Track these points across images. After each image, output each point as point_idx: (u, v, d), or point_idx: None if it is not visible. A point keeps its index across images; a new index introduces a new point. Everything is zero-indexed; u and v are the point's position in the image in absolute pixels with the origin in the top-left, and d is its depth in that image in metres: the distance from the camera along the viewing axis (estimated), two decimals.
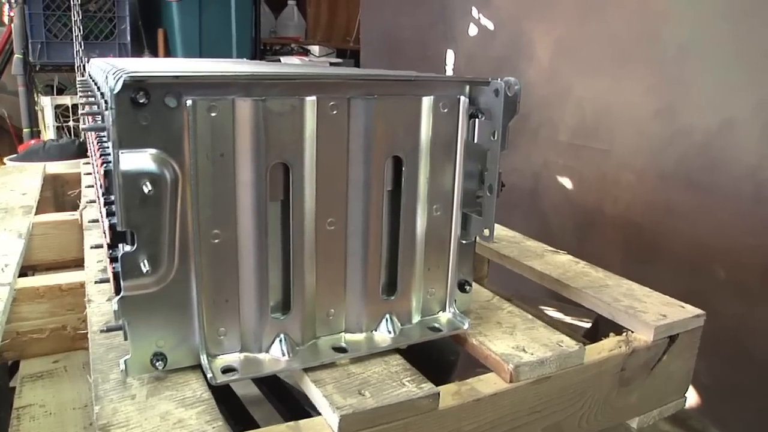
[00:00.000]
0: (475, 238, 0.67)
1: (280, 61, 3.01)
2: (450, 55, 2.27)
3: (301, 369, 0.58)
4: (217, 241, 0.54)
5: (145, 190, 0.49)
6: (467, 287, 0.69)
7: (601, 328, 1.19)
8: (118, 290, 0.54)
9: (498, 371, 0.63)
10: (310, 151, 0.56)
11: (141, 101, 0.49)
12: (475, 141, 0.64)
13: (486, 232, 0.64)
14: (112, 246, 0.54)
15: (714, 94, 1.39)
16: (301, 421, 0.54)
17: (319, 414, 0.55)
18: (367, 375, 0.58)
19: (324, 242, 0.59)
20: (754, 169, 1.31)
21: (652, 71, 1.54)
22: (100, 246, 0.80)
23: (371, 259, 0.62)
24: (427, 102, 0.61)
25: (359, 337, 0.63)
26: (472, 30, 2.15)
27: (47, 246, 1.04)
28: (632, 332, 0.73)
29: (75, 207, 1.45)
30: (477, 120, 0.63)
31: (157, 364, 0.55)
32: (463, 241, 0.66)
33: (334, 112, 0.56)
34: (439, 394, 0.57)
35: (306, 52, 3.27)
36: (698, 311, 0.76)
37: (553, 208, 1.87)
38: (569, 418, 0.67)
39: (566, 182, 1.81)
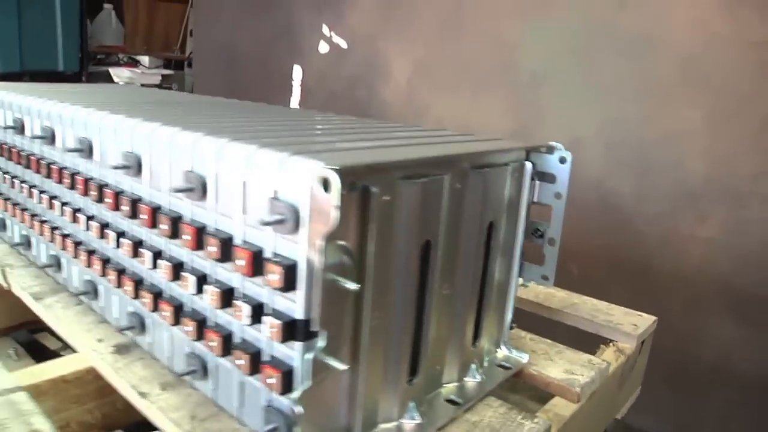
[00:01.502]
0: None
1: (108, 73, 2.66)
2: (297, 71, 2.28)
3: (437, 430, 0.62)
4: (376, 322, 0.55)
5: (350, 287, 0.48)
6: (513, 325, 0.78)
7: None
8: (285, 389, 0.51)
9: (564, 395, 0.73)
10: (443, 226, 0.60)
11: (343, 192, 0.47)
12: (535, 200, 0.73)
13: (547, 278, 0.73)
14: (284, 341, 0.51)
15: (564, 116, 1.67)
16: None
17: None
18: (487, 421, 0.64)
19: (440, 307, 0.63)
20: (598, 182, 1.61)
21: (507, 95, 1.77)
22: (130, 328, 0.70)
23: (469, 316, 0.68)
24: (510, 169, 0.68)
25: (455, 387, 0.68)
26: (323, 47, 2.19)
27: None
28: (616, 342, 0.90)
29: None
30: (537, 182, 0.72)
31: None
32: (522, 287, 0.75)
33: (458, 186, 0.61)
34: (551, 425, 0.65)
35: (135, 63, 2.94)
36: (653, 318, 0.95)
37: None
38: (602, 421, 0.81)
39: None
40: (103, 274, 0.74)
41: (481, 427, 0.63)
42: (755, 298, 1.39)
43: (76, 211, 0.77)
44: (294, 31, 2.26)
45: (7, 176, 0.96)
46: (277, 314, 0.51)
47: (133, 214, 0.65)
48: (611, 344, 0.89)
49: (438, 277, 0.61)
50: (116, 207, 0.68)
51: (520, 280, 0.76)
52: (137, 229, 0.67)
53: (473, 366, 0.70)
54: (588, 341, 0.91)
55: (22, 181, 0.91)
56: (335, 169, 0.44)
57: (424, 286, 0.60)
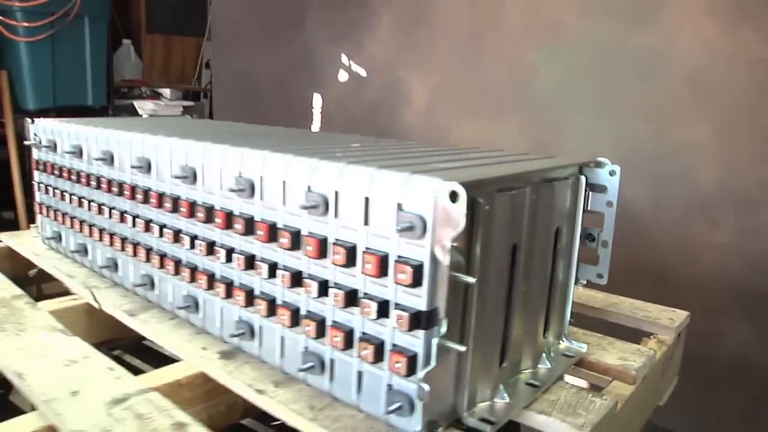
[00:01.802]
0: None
1: (133, 106, 2.76)
2: (317, 99, 2.39)
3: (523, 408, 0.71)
4: (479, 313, 0.64)
5: (469, 281, 0.58)
6: (571, 320, 0.88)
7: None
8: (410, 372, 0.61)
9: (622, 378, 0.83)
10: (525, 231, 0.70)
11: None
12: (588, 209, 0.83)
13: (601, 276, 0.83)
14: (411, 329, 0.60)
15: (579, 135, 1.78)
16: None
17: None
18: (563, 400, 0.73)
19: (521, 302, 0.73)
20: None
21: (525, 116, 1.89)
22: (239, 334, 0.79)
23: (540, 310, 0.77)
24: (570, 182, 0.78)
25: (530, 372, 0.78)
26: (342, 76, 2.30)
27: None
28: (657, 335, 0.99)
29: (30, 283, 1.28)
30: (590, 193, 0.82)
31: (437, 430, 0.63)
32: (582, 283, 0.85)
33: (534, 197, 0.71)
34: (617, 401, 0.74)
35: (158, 96, 3.05)
36: (687, 312, 1.05)
37: None
38: (649, 405, 0.90)
39: None
40: (209, 288, 0.82)
41: (560, 404, 0.72)
42: None
43: (177, 232, 0.86)
44: (313, 61, 2.38)
45: (92, 204, 1.05)
46: (402, 308, 0.60)
47: (247, 232, 0.75)
48: (652, 337, 0.98)
49: (521, 276, 0.71)
50: (227, 226, 0.77)
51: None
52: (247, 245, 0.76)
53: (543, 355, 0.80)
54: (628, 336, 1.00)
55: (111, 208, 1.00)
56: (462, 184, 0.54)
57: (511, 283, 0.70)
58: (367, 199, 0.63)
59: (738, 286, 1.56)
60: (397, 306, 0.61)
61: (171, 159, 0.87)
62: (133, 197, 0.94)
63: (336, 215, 0.66)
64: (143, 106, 2.74)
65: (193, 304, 0.87)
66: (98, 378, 0.76)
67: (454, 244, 0.59)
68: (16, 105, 2.37)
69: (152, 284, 0.95)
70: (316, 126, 2.39)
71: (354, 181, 0.64)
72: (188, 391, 0.81)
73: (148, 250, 0.93)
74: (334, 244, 0.65)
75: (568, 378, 0.88)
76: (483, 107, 1.99)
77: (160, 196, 0.88)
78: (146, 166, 0.91)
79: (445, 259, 0.56)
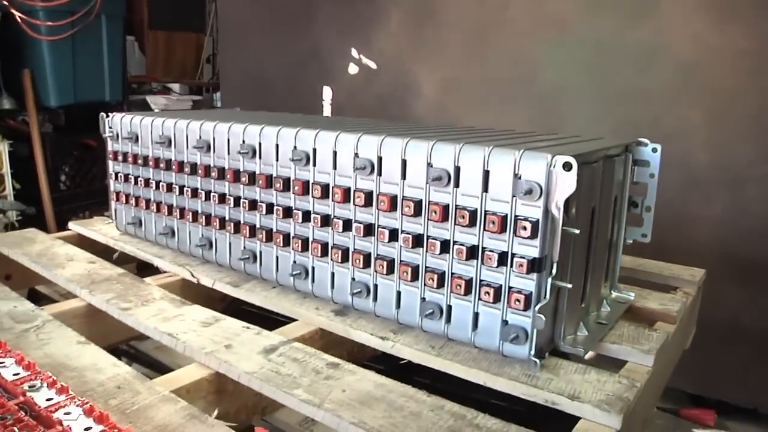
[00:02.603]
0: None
1: (146, 101, 2.83)
2: (327, 92, 2.53)
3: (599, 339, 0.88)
4: (574, 259, 0.81)
5: (575, 231, 0.74)
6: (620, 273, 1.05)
7: None
8: (526, 307, 0.76)
9: (665, 319, 1.00)
10: (598, 197, 0.86)
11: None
12: (634, 180, 1.00)
13: (645, 236, 1.01)
14: (528, 273, 0.76)
15: (582, 122, 1.97)
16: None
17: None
18: (626, 334, 0.90)
19: (593, 256, 0.89)
20: None
21: (531, 106, 2.07)
22: (358, 293, 0.93)
23: (603, 263, 0.94)
24: (621, 158, 0.95)
25: (595, 314, 0.94)
26: (352, 69, 2.44)
27: None
28: (681, 288, 1.18)
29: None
30: (635, 167, 1.00)
31: (545, 354, 0.79)
32: (629, 242, 1.02)
33: (602, 170, 0.87)
34: (669, 333, 0.92)
35: (168, 91, 3.11)
36: (703, 270, 1.24)
37: None
38: (681, 345, 1.09)
39: None
40: (322, 255, 0.96)
41: (625, 337, 0.89)
42: (758, 263, 1.70)
43: (287, 209, 1.00)
44: (322, 56, 2.50)
45: (185, 189, 1.17)
46: (520, 257, 0.76)
47: (366, 204, 0.89)
48: (678, 290, 1.17)
49: (595, 233, 0.88)
50: (344, 200, 0.91)
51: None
52: (366, 216, 0.90)
53: (604, 300, 0.97)
54: (657, 290, 1.19)
55: (208, 192, 1.13)
56: (573, 156, 0.70)
57: (590, 238, 0.86)
58: (486, 171, 0.78)
59: (729, 254, 1.77)
60: (515, 255, 0.77)
61: (278, 144, 1.00)
62: (236, 180, 1.07)
63: (457, 185, 0.81)
64: (155, 101, 2.82)
65: (303, 272, 1.01)
66: (240, 334, 0.90)
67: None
68: (38, 102, 2.43)
69: (254, 258, 1.08)
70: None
71: (473, 158, 0.79)
72: (311, 344, 0.96)
73: (252, 227, 1.07)
74: (457, 208, 0.80)
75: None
76: (491, 98, 2.16)
77: (268, 178, 1.02)
78: (251, 152, 1.04)
79: (559, 216, 0.72)
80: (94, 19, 2.34)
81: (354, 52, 2.42)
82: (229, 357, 0.83)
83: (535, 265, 0.75)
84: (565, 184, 0.71)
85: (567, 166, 0.71)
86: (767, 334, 1.72)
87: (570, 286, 0.76)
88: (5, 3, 2.18)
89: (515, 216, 0.76)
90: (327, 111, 2.52)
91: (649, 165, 0.99)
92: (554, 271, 0.75)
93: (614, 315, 0.96)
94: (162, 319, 0.96)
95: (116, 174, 1.35)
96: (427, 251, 0.84)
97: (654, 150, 0.99)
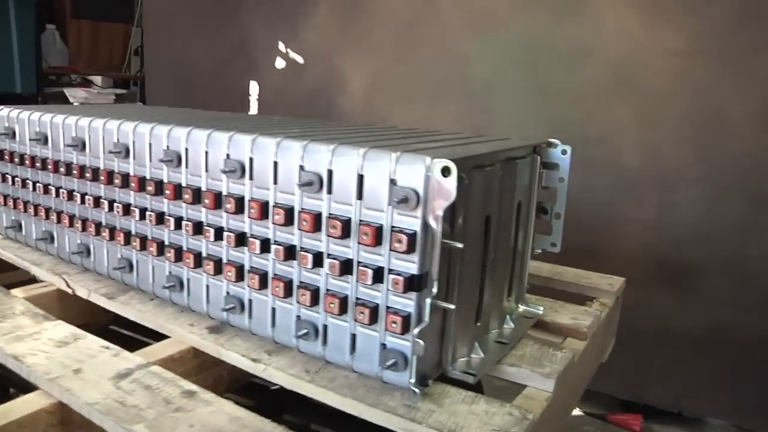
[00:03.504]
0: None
1: (64, 93, 2.63)
2: (254, 87, 2.41)
3: (495, 361, 0.80)
4: (461, 276, 0.72)
5: (458, 246, 0.66)
6: (528, 286, 0.97)
7: None
8: (404, 330, 0.68)
9: (575, 335, 0.93)
10: (495, 204, 0.78)
11: (464, 180, 0.65)
12: (543, 184, 0.93)
13: (555, 245, 0.93)
14: (405, 291, 0.67)
15: (514, 120, 1.91)
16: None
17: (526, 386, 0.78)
18: (528, 354, 0.83)
19: (491, 268, 0.81)
20: None
21: (461, 103, 1.99)
22: (230, 309, 0.83)
23: (506, 276, 0.86)
24: (527, 161, 0.88)
25: (497, 332, 0.87)
26: (279, 63, 2.33)
27: None
28: (599, 299, 1.11)
29: None
30: (545, 171, 0.92)
31: (429, 382, 0.71)
32: (537, 251, 0.95)
33: (501, 173, 0.79)
34: (575, 354, 0.85)
35: (89, 83, 2.91)
36: (623, 279, 1.18)
37: None
38: (596, 361, 1.02)
39: None
40: (196, 266, 0.86)
41: (527, 358, 0.82)
42: (687, 268, 1.67)
43: (160, 215, 0.89)
44: (249, 49, 2.38)
45: (61, 191, 1.05)
46: (396, 273, 0.67)
47: (237, 211, 0.79)
48: (595, 300, 1.10)
49: (492, 245, 0.79)
50: (216, 206, 0.81)
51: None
52: (238, 223, 0.81)
53: (507, 317, 0.89)
54: (573, 301, 1.12)
55: (84, 194, 1.01)
56: (453, 160, 0.62)
57: (486, 250, 0.78)
58: (360, 176, 0.69)
59: (659, 258, 1.73)
60: (392, 271, 0.68)
61: (151, 144, 0.89)
62: (109, 182, 0.96)
63: (330, 192, 0.71)
64: (74, 94, 2.64)
65: (178, 284, 0.90)
66: (96, 356, 0.79)
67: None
68: None
69: (131, 267, 0.97)
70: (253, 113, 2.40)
71: (347, 159, 0.69)
72: (180, 365, 0.85)
73: (127, 234, 0.95)
74: (329, 218, 0.71)
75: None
76: (420, 94, 2.08)
77: (141, 180, 0.91)
78: (124, 152, 0.93)
79: (438, 228, 0.64)
80: None
81: (281, 46, 2.31)
82: (74, 384, 0.72)
83: (413, 284, 0.67)
84: (444, 191, 0.63)
85: (446, 172, 0.62)
86: (692, 338, 1.69)
87: (453, 306, 0.68)
88: None
89: (392, 227, 0.67)
90: (254, 107, 2.40)
91: (558, 168, 0.92)
92: (435, 290, 0.66)
93: (518, 333, 0.88)
94: (13, 339, 0.84)
95: None
96: (300, 264, 0.75)
97: (563, 152, 0.92)
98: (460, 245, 0.66)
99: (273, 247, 0.77)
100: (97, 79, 2.98)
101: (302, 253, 0.74)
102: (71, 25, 2.98)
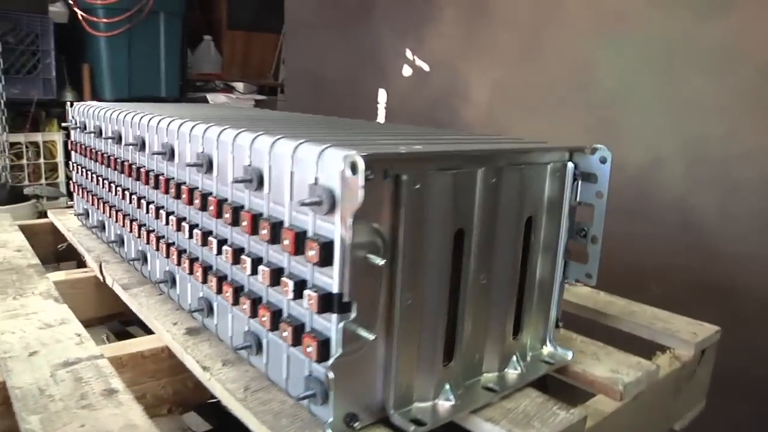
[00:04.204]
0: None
1: (206, 98, 2.92)
2: (382, 95, 2.38)
3: (469, 412, 0.64)
4: (409, 302, 0.59)
5: (377, 263, 0.53)
6: (560, 323, 0.79)
7: None
8: (322, 357, 0.57)
9: (607, 393, 0.73)
10: (477, 217, 0.63)
11: (369, 178, 0.53)
12: (577, 200, 0.74)
13: (590, 276, 0.74)
14: (321, 312, 0.56)
15: (643, 134, 1.64)
16: None
17: None
18: (522, 408, 0.66)
19: (477, 296, 0.66)
20: (680, 200, 1.56)
21: (586, 114, 1.77)
22: (198, 310, 0.79)
23: (509, 307, 0.70)
24: (549, 168, 0.71)
25: (495, 376, 0.70)
26: (406, 71, 2.28)
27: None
28: (674, 349, 0.88)
29: (61, 260, 1.36)
30: (580, 182, 0.74)
31: (355, 424, 0.58)
32: (567, 285, 0.77)
33: (493, 180, 0.64)
34: (586, 416, 0.66)
35: (230, 89, 3.20)
36: (716, 327, 0.92)
37: None
38: (653, 428, 0.80)
39: None
40: (179, 264, 0.83)
41: (515, 413, 0.65)
42: None
43: (159, 208, 0.87)
44: (379, 57, 2.37)
45: (106, 182, 1.08)
46: (316, 288, 0.56)
47: (203, 207, 0.74)
48: (668, 351, 0.87)
49: (474, 266, 0.65)
50: (190, 202, 0.77)
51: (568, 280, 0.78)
52: (207, 220, 0.75)
53: (514, 358, 0.72)
54: (648, 350, 0.90)
55: (117, 185, 1.03)
56: (363, 156, 0.50)
57: (459, 272, 0.63)
58: (291, 173, 0.59)
59: None
60: (313, 286, 0.57)
61: (153, 138, 0.88)
62: (130, 174, 0.96)
63: (270, 190, 0.63)
64: (215, 99, 2.86)
65: (171, 280, 0.88)
66: (61, 342, 0.78)
67: (375, 225, 0.54)
68: (95, 95, 2.56)
69: (145, 260, 0.97)
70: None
71: (282, 155, 0.60)
72: (153, 363, 0.82)
73: (141, 227, 0.95)
74: (261, 219, 0.62)
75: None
76: (543, 104, 1.88)
77: (147, 173, 0.90)
78: (169, 153, 0.93)
79: (347, 236, 0.52)
80: (150, 16, 2.41)
81: (408, 53, 2.25)
82: (19, 366, 0.72)
83: (329, 303, 0.55)
84: (352, 192, 0.51)
85: (353, 168, 0.50)
86: None
87: (371, 337, 0.55)
88: (70, 2, 2.31)
89: (313, 234, 0.57)
90: (381, 115, 2.38)
91: (596, 180, 0.73)
92: (353, 314, 0.54)
93: (524, 379, 0.71)
94: (9, 316, 0.86)
95: (74, 164, 1.31)
96: (242, 269, 0.67)
97: (602, 160, 0.73)
98: (379, 261, 0.53)
99: (224, 247, 0.70)
100: (239, 86, 3.19)
101: (243, 257, 0.66)
102: (226, 36, 3.24)
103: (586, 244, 0.75)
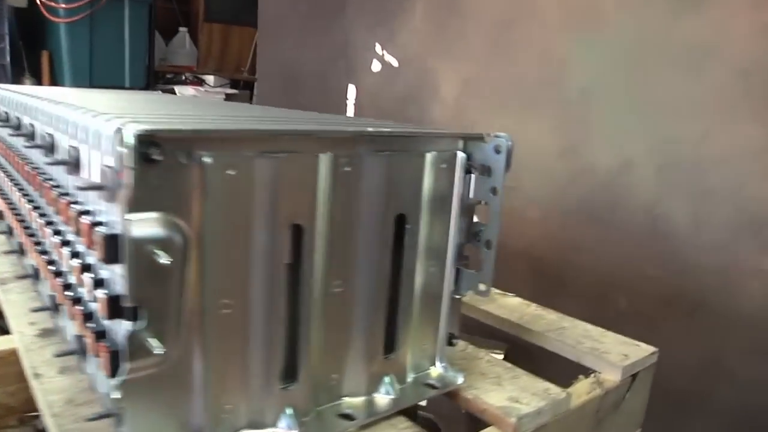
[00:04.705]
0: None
1: (173, 90, 2.84)
2: (351, 90, 2.29)
3: None
4: (226, 311, 0.50)
5: (162, 261, 0.44)
6: (454, 341, 0.69)
7: (511, 359, 1.25)
8: (113, 371, 0.47)
9: (499, 425, 0.63)
10: (322, 211, 0.53)
11: (154, 158, 0.43)
12: (471, 196, 0.64)
13: (483, 286, 0.64)
14: (111, 318, 0.47)
15: (614, 135, 1.52)
16: None
17: None
18: None
19: (330, 305, 0.56)
20: (650, 206, 1.45)
21: (555, 113, 1.66)
22: (43, 309, 0.70)
23: (376, 320, 0.60)
24: (429, 158, 0.60)
25: (360, 401, 0.60)
26: (375, 66, 2.18)
27: None
28: (599, 373, 0.77)
29: None
30: (473, 176, 0.64)
31: None
32: (456, 296, 0.66)
33: (347, 168, 0.54)
34: None
35: (200, 82, 3.12)
36: (652, 348, 0.81)
37: None
38: None
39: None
40: (34, 255, 0.74)
41: None
42: None
43: (24, 195, 0.78)
44: (350, 51, 2.28)
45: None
46: (102, 289, 0.47)
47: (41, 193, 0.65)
48: (593, 375, 0.76)
49: (323, 271, 0.55)
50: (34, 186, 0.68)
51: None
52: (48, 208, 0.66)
53: (386, 380, 0.62)
54: (575, 373, 0.79)
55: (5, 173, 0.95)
56: (140, 131, 0.40)
57: (298, 277, 0.54)
58: (89, 153, 0.50)
59: None
60: (106, 287, 0.48)
61: None
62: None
63: (88, 174, 0.54)
64: (183, 92, 2.78)
65: (35, 274, 0.79)
66: None
67: (170, 217, 0.45)
68: (54, 84, 2.48)
69: (22, 252, 0.88)
70: None
71: (88, 130, 0.51)
72: (2, 366, 0.73)
73: (16, 215, 0.86)
74: (72, 207, 0.53)
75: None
76: (512, 103, 1.78)
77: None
78: None
79: (125, 229, 0.42)
80: (114, 4, 2.32)
81: (378, 48, 2.16)
82: None
83: (116, 307, 0.46)
84: (128, 176, 0.41)
85: (126, 145, 0.41)
86: None
87: (161, 350, 0.45)
88: None
89: (102, 226, 0.47)
90: (350, 111, 2.28)
91: (490, 174, 0.63)
92: (139, 321, 0.45)
93: (393, 406, 0.61)
94: None
95: None
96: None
97: (497, 149, 0.62)
98: (165, 260, 0.43)
99: (52, 239, 0.61)
100: (210, 79, 3.10)
101: (63, 249, 0.57)
102: (203, 29, 3.15)
103: (480, 249, 0.65)
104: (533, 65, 1.71)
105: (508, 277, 1.76)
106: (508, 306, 0.93)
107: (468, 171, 0.64)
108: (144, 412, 0.47)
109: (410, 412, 0.75)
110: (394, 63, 2.11)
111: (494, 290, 1.01)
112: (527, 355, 0.88)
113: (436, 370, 0.67)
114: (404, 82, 2.08)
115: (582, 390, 0.72)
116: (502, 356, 1.40)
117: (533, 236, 1.73)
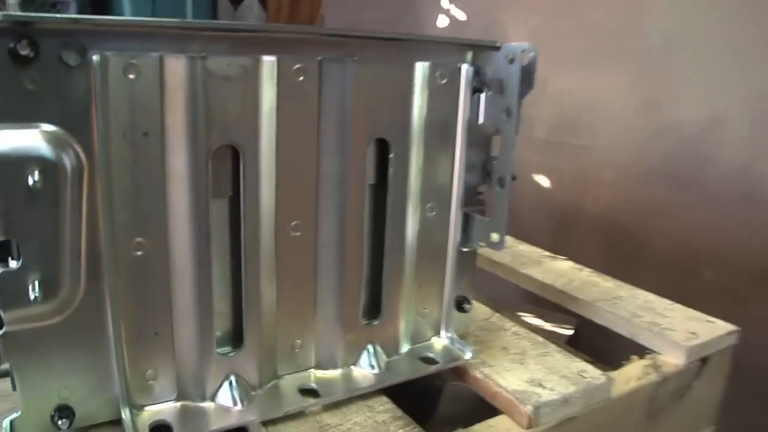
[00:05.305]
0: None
1: None
2: None
3: (259, 422, 0.43)
4: (140, 252, 0.39)
5: (31, 182, 0.34)
6: (466, 306, 0.56)
7: (584, 335, 1.08)
8: None
9: (511, 414, 0.49)
10: (267, 131, 0.42)
11: (24, 54, 0.34)
12: (480, 121, 0.50)
13: (495, 236, 0.50)
14: None
15: (702, 88, 1.30)
16: None
17: None
18: (346, 428, 0.44)
19: (287, 253, 0.45)
20: (744, 167, 1.23)
21: (635, 65, 1.45)
22: None
23: (349, 274, 0.48)
24: (421, 69, 0.47)
25: (334, 374, 0.49)
26: (442, 21, 2.04)
27: None
28: (659, 354, 0.61)
29: None
30: (482, 95, 0.50)
31: (60, 422, 0.40)
32: (464, 249, 0.53)
33: (301, 78, 0.42)
34: None
35: None
36: (731, 327, 0.64)
37: (528, 209, 1.77)
38: None
39: (543, 181, 1.70)
40: None
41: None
42: None
43: None
44: (416, 8, 2.14)
45: None
46: None
47: None
48: (647, 356, 0.61)
49: (270, 207, 0.43)
50: None
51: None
52: None
53: (369, 350, 0.50)
54: (621, 353, 0.64)
55: None
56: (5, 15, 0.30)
57: (237, 216, 0.42)
58: None
59: None
60: None
61: None
62: None
63: None
64: None
65: None
66: None
67: (54, 128, 0.35)
68: None
69: None
70: None
71: None
72: None
73: None
74: None
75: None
76: (586, 54, 1.58)
77: None
78: None
79: None
80: None
81: (444, 2, 2.00)
82: None
83: None
84: None
85: None
86: None
87: (38, 296, 0.36)
88: None
89: None
90: None
91: (502, 91, 0.49)
92: (17, 261, 0.36)
93: (375, 381, 0.49)
94: None
95: None
96: None
97: (511, 59, 0.48)
98: (36, 183, 0.34)
99: None
100: None
101: None
102: None
103: (492, 189, 0.51)
104: (609, 11, 1.51)
105: (578, 245, 1.59)
106: (556, 270, 0.78)
107: (479, 90, 0.50)
108: (39, 373, 0.39)
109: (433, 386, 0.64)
110: (462, 17, 1.96)
111: (543, 252, 0.86)
112: (603, 334, 0.72)
113: (440, 342, 0.54)
114: (472, 36, 1.92)
115: (631, 374, 0.57)
116: (571, 332, 1.24)
117: (608, 200, 1.54)
